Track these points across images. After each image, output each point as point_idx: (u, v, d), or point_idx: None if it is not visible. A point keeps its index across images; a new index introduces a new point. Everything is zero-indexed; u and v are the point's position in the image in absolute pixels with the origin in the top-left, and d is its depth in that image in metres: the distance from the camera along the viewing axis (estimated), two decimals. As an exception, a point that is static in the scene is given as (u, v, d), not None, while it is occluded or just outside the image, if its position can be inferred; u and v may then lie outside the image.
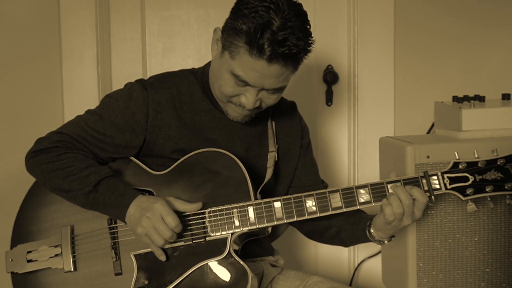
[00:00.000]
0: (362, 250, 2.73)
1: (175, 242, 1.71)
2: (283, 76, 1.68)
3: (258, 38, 1.59)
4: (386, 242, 1.81)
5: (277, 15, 1.60)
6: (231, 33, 1.66)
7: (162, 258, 1.71)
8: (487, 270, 2.09)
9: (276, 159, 1.92)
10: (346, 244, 1.95)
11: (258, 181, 1.85)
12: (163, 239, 1.66)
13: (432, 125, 2.53)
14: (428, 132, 2.58)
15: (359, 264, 2.75)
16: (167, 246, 1.72)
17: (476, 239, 2.08)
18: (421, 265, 2.10)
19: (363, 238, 1.83)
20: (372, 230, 1.79)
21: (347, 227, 1.87)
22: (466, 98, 2.26)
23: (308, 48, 1.66)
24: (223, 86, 1.72)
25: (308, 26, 1.66)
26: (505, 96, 2.29)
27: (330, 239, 1.95)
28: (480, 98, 2.26)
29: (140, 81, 1.85)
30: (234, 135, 1.87)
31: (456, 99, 2.28)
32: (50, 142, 1.78)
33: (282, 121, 1.97)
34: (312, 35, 1.67)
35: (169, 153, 1.81)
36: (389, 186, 1.70)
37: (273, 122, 1.94)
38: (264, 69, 1.63)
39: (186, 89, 1.85)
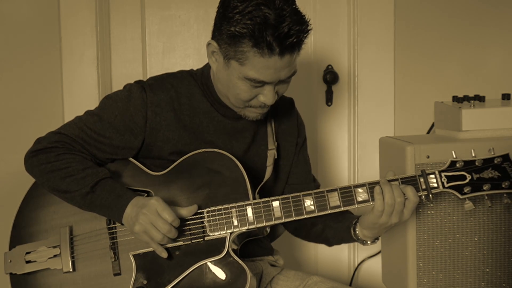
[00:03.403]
0: (362, 250, 2.73)
1: (173, 241, 1.71)
2: (294, 62, 1.71)
3: (264, 37, 1.60)
4: (369, 243, 1.81)
5: (269, 8, 1.61)
6: (231, 42, 1.66)
7: (164, 254, 1.71)
8: (487, 270, 2.09)
9: (276, 157, 1.92)
10: (330, 243, 1.95)
11: (258, 180, 1.86)
12: (162, 234, 1.66)
13: (432, 125, 2.53)
14: (428, 132, 2.58)
15: (359, 264, 2.74)
16: (167, 246, 1.72)
17: (476, 239, 2.08)
18: (421, 265, 2.10)
19: (347, 237, 1.83)
20: (357, 229, 1.79)
21: (332, 225, 1.88)
22: (466, 98, 2.26)
23: (309, 28, 1.68)
24: (240, 94, 1.73)
25: (297, 6, 1.68)
26: (505, 96, 2.28)
27: (316, 237, 1.96)
28: (480, 98, 2.25)
29: (139, 83, 1.86)
30: (233, 136, 1.87)
31: (456, 99, 2.27)
32: (49, 142, 1.79)
33: (280, 118, 1.97)
34: (304, 14, 1.69)
35: (168, 155, 1.82)
36: (387, 185, 1.71)
37: (272, 120, 1.94)
38: (277, 63, 1.65)
39: (185, 91, 1.85)
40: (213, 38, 1.74)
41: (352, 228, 1.80)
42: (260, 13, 1.60)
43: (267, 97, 1.73)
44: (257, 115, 1.81)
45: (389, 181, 1.71)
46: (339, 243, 1.92)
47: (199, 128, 1.84)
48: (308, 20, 1.68)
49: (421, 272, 2.10)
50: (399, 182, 1.71)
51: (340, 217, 1.83)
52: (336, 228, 1.86)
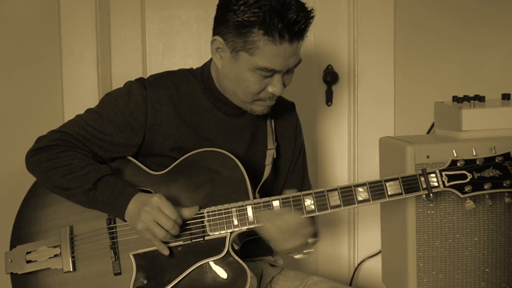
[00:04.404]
0: (362, 250, 2.73)
1: (173, 241, 1.71)
2: (299, 50, 1.73)
3: (275, 24, 1.63)
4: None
5: None
6: (239, 33, 1.67)
7: (166, 252, 1.71)
8: (487, 270, 2.09)
9: (275, 157, 1.92)
10: None
11: (257, 179, 1.86)
12: (165, 231, 1.66)
13: (432, 125, 2.53)
14: (428, 132, 2.58)
15: (359, 264, 2.74)
16: (169, 245, 1.72)
17: (476, 239, 2.08)
18: (421, 265, 2.10)
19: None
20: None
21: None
22: (466, 98, 2.26)
23: (312, 15, 1.71)
24: (250, 86, 1.74)
25: None
26: (505, 96, 2.28)
27: None
28: (480, 98, 2.26)
29: (139, 80, 1.86)
30: (233, 134, 1.87)
31: (456, 99, 2.27)
32: (50, 140, 1.79)
33: (280, 120, 1.98)
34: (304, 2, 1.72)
35: (168, 151, 1.82)
36: (387, 184, 1.71)
37: (272, 121, 1.95)
38: (287, 50, 1.68)
39: (186, 88, 1.86)
40: (217, 34, 1.74)
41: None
42: (266, 2, 1.63)
43: (276, 87, 1.74)
44: (264, 108, 1.82)
45: (390, 180, 1.71)
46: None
47: (199, 124, 1.85)
48: (310, 8, 1.71)
49: (421, 272, 2.10)
50: (399, 182, 1.71)
51: None
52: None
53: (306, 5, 1.70)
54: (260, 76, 1.72)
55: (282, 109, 1.99)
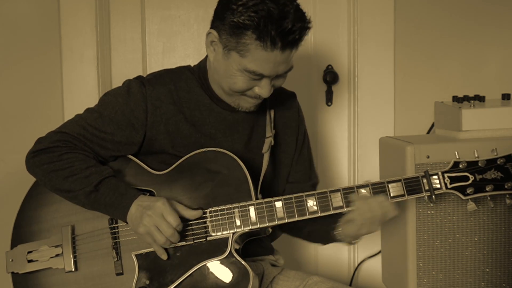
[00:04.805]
0: (362, 250, 2.73)
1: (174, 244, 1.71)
2: (292, 57, 1.73)
3: (268, 31, 1.62)
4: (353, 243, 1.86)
5: (273, 3, 1.63)
6: (233, 32, 1.67)
7: (164, 256, 1.71)
8: (487, 270, 2.09)
9: (273, 144, 1.92)
10: (323, 244, 2.00)
11: (257, 171, 1.86)
12: (165, 237, 1.66)
13: (432, 125, 2.53)
14: (428, 132, 2.58)
15: (359, 264, 2.75)
16: (172, 246, 1.72)
17: (476, 239, 2.08)
18: (421, 265, 2.10)
19: (332, 240, 1.86)
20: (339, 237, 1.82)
21: (318, 229, 1.90)
22: (466, 98, 2.27)
23: (309, 26, 1.70)
24: (236, 84, 1.74)
25: (298, 3, 1.70)
26: (505, 96, 2.29)
27: (306, 238, 2.01)
28: (480, 98, 2.26)
29: (138, 78, 1.87)
30: (233, 128, 1.87)
31: (456, 99, 2.28)
32: (51, 141, 1.78)
33: (281, 110, 1.98)
34: (305, 11, 1.71)
35: (170, 148, 1.82)
36: (390, 185, 1.71)
37: (272, 111, 1.95)
38: (277, 58, 1.67)
39: (184, 84, 1.86)
40: (213, 27, 1.75)
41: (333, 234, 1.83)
42: (265, 7, 1.62)
43: (263, 89, 1.74)
44: (251, 105, 1.82)
45: (392, 182, 1.72)
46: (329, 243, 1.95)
47: (199, 120, 1.85)
48: (308, 18, 1.70)
49: (421, 272, 2.10)
50: (402, 183, 1.72)
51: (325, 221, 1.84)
52: (321, 231, 1.89)
53: (306, 14, 1.69)
54: (248, 77, 1.72)
55: (283, 98, 1.99)
